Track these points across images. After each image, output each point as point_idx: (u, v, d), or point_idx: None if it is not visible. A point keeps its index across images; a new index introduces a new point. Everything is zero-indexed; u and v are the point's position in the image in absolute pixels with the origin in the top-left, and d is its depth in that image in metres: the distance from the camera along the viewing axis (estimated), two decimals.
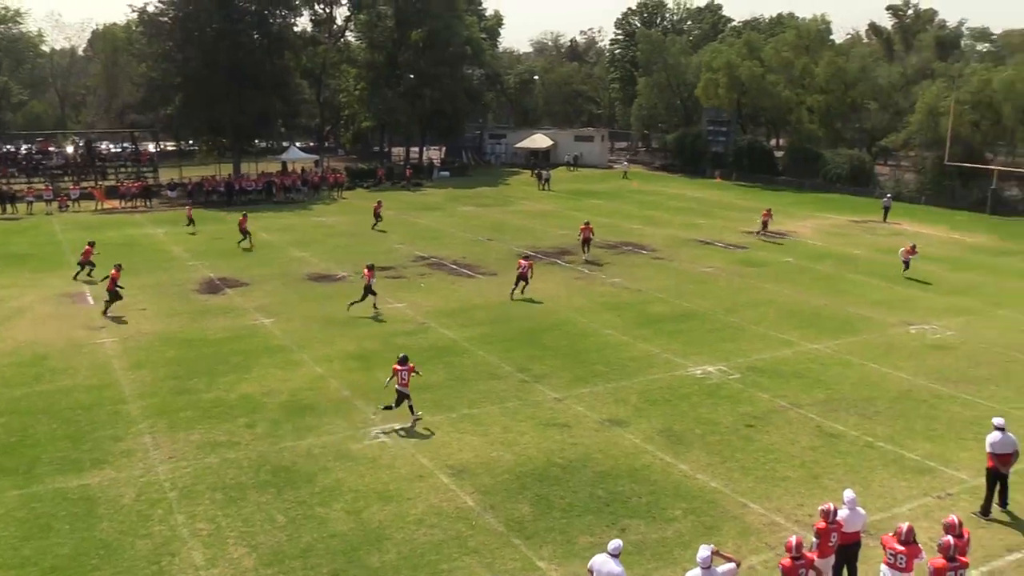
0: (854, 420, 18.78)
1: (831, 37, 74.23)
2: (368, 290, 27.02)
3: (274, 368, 21.89)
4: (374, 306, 27.34)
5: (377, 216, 44.17)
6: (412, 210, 51.75)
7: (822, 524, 11.84)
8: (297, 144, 74.86)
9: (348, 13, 77.13)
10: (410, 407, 18.22)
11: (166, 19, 61.46)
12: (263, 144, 73.36)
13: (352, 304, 27.10)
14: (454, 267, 34.72)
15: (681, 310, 28.12)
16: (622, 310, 27.99)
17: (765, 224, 42.41)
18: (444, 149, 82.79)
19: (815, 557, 11.40)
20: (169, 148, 79.31)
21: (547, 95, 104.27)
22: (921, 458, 16.85)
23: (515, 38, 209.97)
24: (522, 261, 29.73)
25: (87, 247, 32.55)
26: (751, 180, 67.92)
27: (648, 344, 24.18)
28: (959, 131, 55.47)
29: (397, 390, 18.10)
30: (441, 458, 16.58)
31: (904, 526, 11.35)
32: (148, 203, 54.24)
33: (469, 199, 56.68)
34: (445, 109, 71.62)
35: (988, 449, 14.55)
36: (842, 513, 12.02)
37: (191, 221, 44.36)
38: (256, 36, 63.40)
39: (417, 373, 18.51)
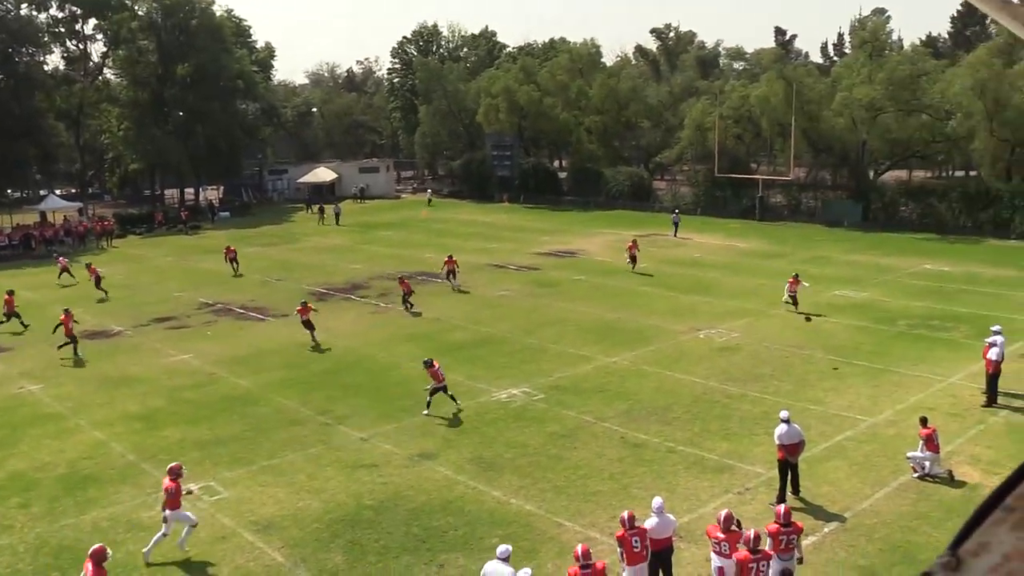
0: (655, 428, 19.66)
1: (602, 60, 78.23)
2: (308, 324, 27.73)
3: (47, 439, 20.19)
4: (312, 338, 27.80)
5: (233, 261, 41.80)
6: (192, 254, 49.56)
7: (621, 532, 12.30)
8: (57, 192, 70.01)
9: (105, 49, 73.18)
10: (428, 402, 20.88)
11: None
12: (16, 194, 67.98)
13: (312, 340, 27.87)
14: (242, 311, 33.51)
15: (480, 335, 28.49)
16: (421, 340, 27.99)
17: (634, 258, 38.86)
18: (222, 188, 79.99)
19: (606, 565, 11.93)
20: None
21: (327, 127, 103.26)
22: (720, 457, 17.87)
23: (289, 70, 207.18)
24: (404, 281, 32.71)
25: (8, 296, 31.78)
26: (538, 202, 70.09)
27: (450, 372, 24.21)
28: (725, 144, 59.87)
29: (432, 388, 20.86)
30: (244, 515, 15.85)
31: (723, 513, 12.07)
32: None
33: (253, 239, 55.00)
34: (220, 146, 69.32)
35: (777, 441, 15.69)
36: (651, 520, 12.53)
37: (66, 271, 41.10)
38: (0, 77, 58.83)
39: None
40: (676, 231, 50.71)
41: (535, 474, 17.26)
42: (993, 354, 20.31)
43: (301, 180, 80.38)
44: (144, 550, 14.28)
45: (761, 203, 58.17)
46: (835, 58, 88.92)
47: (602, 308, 32.07)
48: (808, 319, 29.19)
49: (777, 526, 12.25)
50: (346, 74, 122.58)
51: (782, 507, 12.67)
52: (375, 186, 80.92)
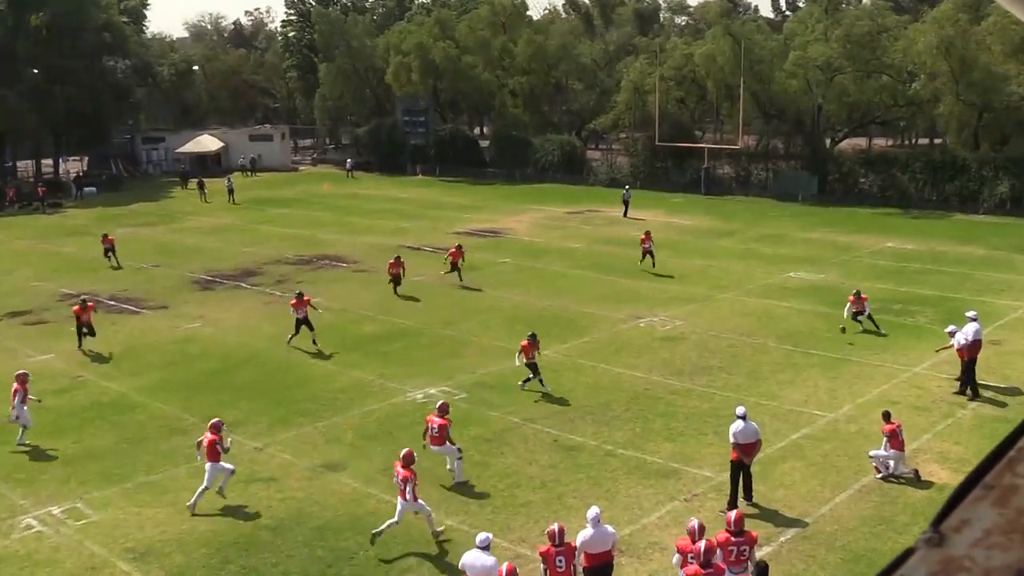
0: (592, 429, 19.83)
1: (528, 13, 78.33)
2: (302, 322, 26.21)
3: None
4: (313, 341, 26.18)
5: (111, 252, 39.65)
6: (52, 237, 48.17)
7: (546, 547, 12.38)
8: None
9: None
10: (540, 379, 21.86)
11: None
12: None
13: (291, 338, 26.53)
14: (112, 303, 32.71)
15: (393, 327, 28.36)
16: (325, 334, 27.69)
17: (649, 252, 35.25)
18: (87, 159, 77.88)
19: None
20: None
21: (211, 88, 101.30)
22: (664, 460, 18.11)
23: (165, 22, 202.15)
24: (393, 262, 32.47)
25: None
26: (457, 174, 69.97)
27: (359, 371, 24.13)
28: (667, 109, 60.56)
29: (527, 365, 21.85)
30: (117, 541, 15.49)
31: (694, 524, 12.21)
32: None
33: (125, 218, 53.70)
34: (84, 110, 67.46)
35: (731, 439, 15.92)
36: (586, 532, 12.62)
37: None
38: None
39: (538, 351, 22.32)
40: (627, 210, 49.35)
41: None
42: (959, 340, 20.97)
43: (181, 150, 78.70)
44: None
45: (707, 175, 59.05)
46: (787, 13, 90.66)
47: (531, 295, 32.20)
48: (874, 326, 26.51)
49: (727, 535, 12.43)
50: (233, 27, 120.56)
51: (733, 513, 12.88)
52: (268, 156, 79.74)
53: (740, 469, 15.94)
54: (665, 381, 22.82)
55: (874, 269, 35.38)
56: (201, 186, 61.03)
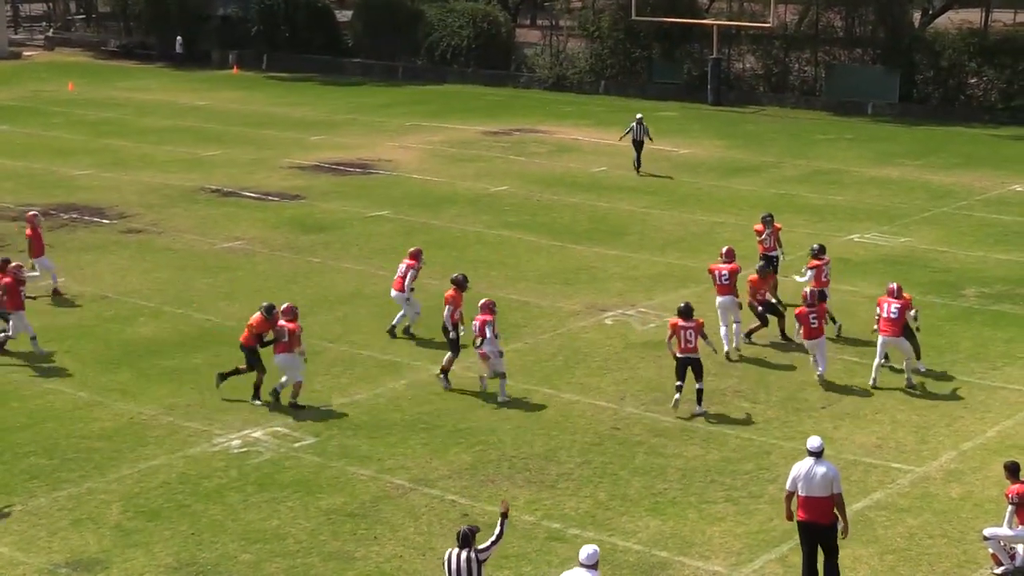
0: (526, 494, 19.76)
1: None
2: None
3: None
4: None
5: None
6: None
7: None
8: None
9: None
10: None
11: None
12: None
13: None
14: None
15: (190, 329, 28.12)
16: (75, 340, 27.38)
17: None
18: None
19: None
20: None
21: None
22: (645, 547, 18.08)
23: None
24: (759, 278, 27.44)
25: None
26: (298, 68, 69.67)
27: (132, 402, 23.81)
28: None
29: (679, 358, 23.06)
30: None
31: None
32: None
33: None
34: None
35: (789, 486, 15.71)
36: None
37: None
38: None
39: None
40: (639, 158, 44.49)
41: None
42: None
43: None
44: None
45: (718, 71, 59.12)
46: None
47: (425, 272, 32.07)
48: None
49: None
50: None
51: None
52: None
53: (814, 539, 15.70)
54: (647, 415, 22.91)
55: (992, 228, 35.83)
56: None
